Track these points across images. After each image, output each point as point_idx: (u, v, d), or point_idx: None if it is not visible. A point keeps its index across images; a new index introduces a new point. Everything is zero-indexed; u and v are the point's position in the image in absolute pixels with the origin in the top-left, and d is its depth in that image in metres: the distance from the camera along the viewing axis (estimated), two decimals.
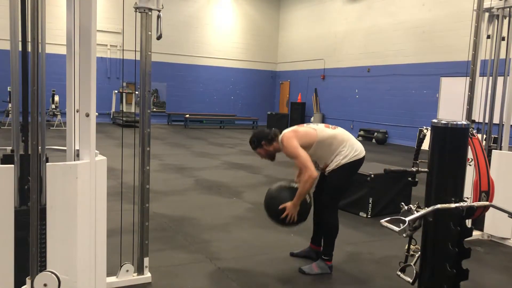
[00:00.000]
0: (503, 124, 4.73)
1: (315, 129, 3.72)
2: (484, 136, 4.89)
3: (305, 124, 3.87)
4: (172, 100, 19.78)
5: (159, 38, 3.17)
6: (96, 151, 2.40)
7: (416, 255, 2.28)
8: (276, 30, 21.92)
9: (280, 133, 3.78)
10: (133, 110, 18.00)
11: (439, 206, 2.06)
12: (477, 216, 2.28)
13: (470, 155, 2.35)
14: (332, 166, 3.64)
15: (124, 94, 18.15)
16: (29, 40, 2.04)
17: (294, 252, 4.10)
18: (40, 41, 2.04)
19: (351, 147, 3.65)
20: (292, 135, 3.66)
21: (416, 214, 2.05)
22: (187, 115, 18.67)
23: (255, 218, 5.30)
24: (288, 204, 3.55)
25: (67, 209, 2.21)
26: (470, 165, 2.73)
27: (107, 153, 2.73)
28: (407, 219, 2.00)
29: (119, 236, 3.32)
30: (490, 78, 4.83)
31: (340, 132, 3.73)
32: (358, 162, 3.68)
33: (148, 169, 3.32)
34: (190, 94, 20.22)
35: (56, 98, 14.92)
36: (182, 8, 19.44)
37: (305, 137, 3.66)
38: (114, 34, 17.72)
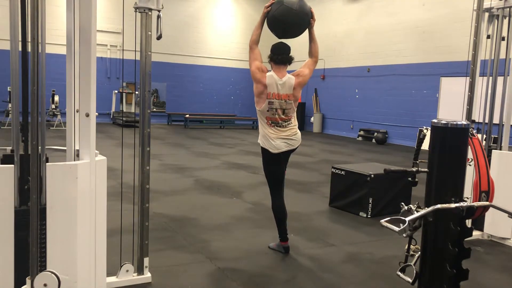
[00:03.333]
0: (503, 124, 4.73)
1: (264, 111, 3.93)
2: (484, 136, 4.89)
3: (281, 100, 3.96)
4: (172, 100, 19.78)
5: (159, 38, 3.17)
6: (96, 151, 2.40)
7: (416, 255, 2.28)
8: None
9: (289, 63, 4.26)
10: (133, 110, 18.00)
11: (439, 206, 2.06)
12: (477, 216, 2.28)
13: (470, 155, 2.35)
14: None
15: (124, 94, 18.15)
16: (29, 40, 2.04)
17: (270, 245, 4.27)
18: (40, 41, 2.05)
19: (265, 137, 3.92)
20: (262, 77, 3.93)
21: (416, 214, 2.05)
22: (187, 115, 18.67)
23: (255, 218, 5.30)
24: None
25: (67, 209, 2.21)
26: (470, 165, 2.73)
27: (107, 153, 2.73)
28: (407, 219, 1.99)
29: (119, 236, 3.32)
30: (490, 78, 4.83)
31: (267, 128, 3.92)
32: (266, 152, 3.93)
33: (148, 169, 3.32)
34: (190, 94, 20.22)
35: (56, 98, 14.92)
36: (182, 8, 19.44)
37: (259, 97, 3.93)
38: (114, 34, 17.72)
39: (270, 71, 3.99)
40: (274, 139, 3.90)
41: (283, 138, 3.93)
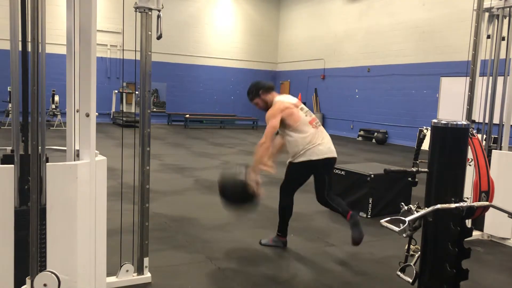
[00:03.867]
0: (503, 124, 4.73)
1: (300, 117, 4.00)
2: (484, 136, 4.89)
3: (302, 105, 4.14)
4: (172, 100, 19.78)
5: (159, 38, 3.17)
6: (96, 151, 2.40)
7: (416, 255, 2.28)
8: (276, 30, 21.92)
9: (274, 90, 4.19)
10: (133, 110, 18.00)
11: (439, 206, 2.06)
12: (477, 216, 2.28)
13: (470, 155, 2.35)
14: (291, 158, 4.04)
15: (124, 94, 18.15)
16: (29, 40, 2.04)
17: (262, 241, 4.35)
18: (40, 41, 2.05)
19: (312, 150, 3.94)
20: (282, 107, 3.98)
21: (416, 214, 2.05)
22: (187, 115, 18.67)
23: (255, 218, 5.30)
24: (250, 175, 3.81)
25: (67, 209, 2.21)
26: (470, 165, 2.73)
27: (107, 153, 2.73)
28: (407, 219, 1.99)
29: (119, 236, 3.32)
30: (490, 78, 4.82)
31: (313, 133, 3.98)
32: (310, 163, 3.96)
33: (148, 169, 3.32)
34: (190, 94, 20.22)
35: (56, 98, 14.92)
36: (182, 8, 19.44)
37: (289, 116, 3.96)
38: (114, 34, 17.72)
39: (275, 100, 4.12)
40: (323, 144, 4.00)
41: (325, 143, 4.03)
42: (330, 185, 4.10)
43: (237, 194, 3.88)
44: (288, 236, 4.31)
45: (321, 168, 4.02)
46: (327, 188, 4.05)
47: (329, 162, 4.04)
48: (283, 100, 4.07)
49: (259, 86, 4.15)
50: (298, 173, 4.10)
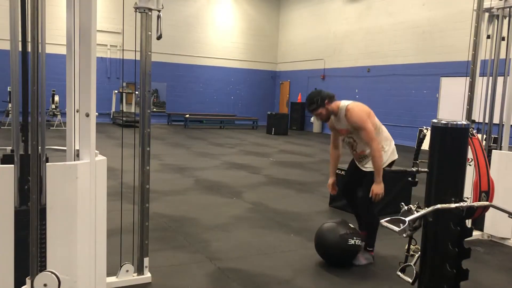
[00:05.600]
0: (503, 124, 4.73)
1: (375, 119, 3.89)
2: (484, 136, 4.89)
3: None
4: (172, 100, 19.78)
5: (159, 38, 3.17)
6: (96, 151, 2.40)
7: (416, 255, 2.28)
8: (276, 30, 21.92)
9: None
10: (133, 110, 18.00)
11: (439, 206, 2.06)
12: (477, 216, 2.28)
13: (470, 155, 2.35)
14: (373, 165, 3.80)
15: (124, 94, 18.15)
16: (29, 40, 2.04)
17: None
18: (40, 41, 2.04)
19: (390, 147, 3.91)
20: (362, 109, 3.82)
21: (416, 214, 2.05)
22: (187, 115, 18.67)
23: (255, 218, 5.30)
24: (374, 187, 3.73)
25: (67, 209, 2.21)
26: (470, 165, 2.73)
27: (107, 153, 2.73)
28: (407, 219, 1.99)
29: (119, 236, 3.32)
30: (490, 78, 4.82)
31: (385, 129, 3.97)
32: (392, 164, 3.96)
33: (148, 169, 3.32)
34: (190, 94, 20.22)
35: (56, 98, 14.92)
36: (182, 8, 19.44)
37: (371, 117, 3.82)
38: (114, 34, 17.72)
39: (343, 104, 3.92)
40: (392, 143, 4.03)
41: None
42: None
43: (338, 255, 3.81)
44: (288, 236, 4.31)
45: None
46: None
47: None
48: (353, 103, 3.88)
49: (324, 96, 3.85)
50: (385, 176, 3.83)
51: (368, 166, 3.87)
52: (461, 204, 2.08)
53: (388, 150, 3.90)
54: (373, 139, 3.71)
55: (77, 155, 2.32)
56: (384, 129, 3.97)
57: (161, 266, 3.64)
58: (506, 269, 4.07)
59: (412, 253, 2.32)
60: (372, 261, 3.96)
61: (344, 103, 3.88)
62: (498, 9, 4.67)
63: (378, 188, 3.75)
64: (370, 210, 3.97)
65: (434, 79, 14.03)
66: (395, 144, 4.08)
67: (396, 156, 3.97)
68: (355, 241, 3.77)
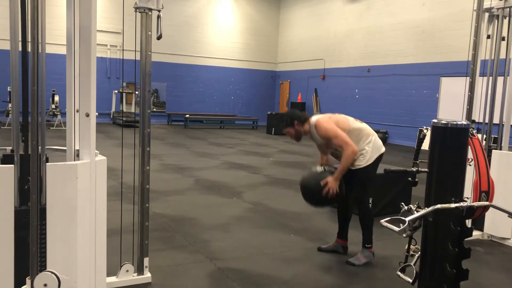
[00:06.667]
0: (503, 124, 4.73)
1: (347, 118, 4.00)
2: (484, 136, 4.89)
3: (336, 114, 4.10)
4: (172, 100, 19.78)
5: (159, 38, 3.17)
6: (96, 151, 2.39)
7: (416, 255, 2.28)
8: (276, 30, 21.91)
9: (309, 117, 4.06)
10: (133, 110, 18.00)
11: (439, 206, 2.06)
12: (477, 216, 2.28)
13: (470, 155, 2.35)
14: (361, 163, 3.90)
15: (124, 94, 18.15)
16: (29, 40, 2.04)
17: (322, 247, 4.25)
18: (40, 41, 2.04)
19: (374, 143, 3.94)
20: (328, 120, 3.93)
21: (416, 214, 2.05)
22: (187, 115, 18.67)
23: (255, 218, 5.30)
24: (329, 179, 3.81)
25: (67, 209, 2.21)
26: (470, 165, 2.73)
27: (107, 153, 2.73)
28: (407, 219, 1.99)
29: (119, 236, 3.32)
30: (490, 78, 4.82)
31: (366, 126, 4.02)
32: (380, 157, 4.00)
33: (148, 169, 3.32)
34: (190, 94, 20.22)
35: (56, 98, 14.92)
36: (182, 8, 19.44)
37: (339, 124, 3.90)
38: (114, 34, 17.72)
39: (313, 121, 4.01)
40: (376, 138, 4.05)
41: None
42: None
43: (317, 197, 3.92)
44: (288, 236, 4.31)
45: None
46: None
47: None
48: (320, 117, 3.99)
49: (295, 117, 3.99)
50: (374, 171, 4.01)
51: (357, 164, 3.91)
52: (461, 204, 2.08)
53: (370, 149, 3.92)
54: (346, 143, 3.79)
55: (77, 155, 2.31)
56: (364, 127, 4.00)
57: (161, 266, 3.64)
58: (506, 269, 4.07)
59: (412, 253, 2.32)
60: (372, 258, 3.98)
61: (312, 120, 3.99)
62: (498, 9, 4.67)
63: (332, 183, 3.80)
64: (365, 205, 4.05)
65: (434, 79, 14.03)
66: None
67: (382, 150, 3.99)
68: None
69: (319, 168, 4.02)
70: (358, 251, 4.05)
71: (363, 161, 3.90)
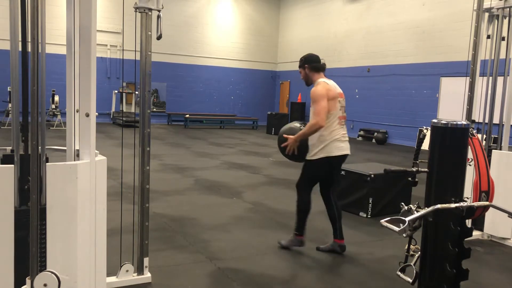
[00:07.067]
0: (503, 124, 4.73)
1: (336, 107, 4.01)
2: (484, 136, 4.89)
3: (342, 99, 4.13)
4: (172, 100, 19.78)
5: (159, 38, 3.17)
6: (96, 151, 2.39)
7: (416, 255, 2.28)
8: (276, 30, 21.91)
9: (324, 70, 4.18)
10: (133, 110, 18.00)
11: (439, 206, 2.06)
12: (477, 216, 2.28)
13: (470, 155, 2.35)
14: (309, 155, 4.03)
15: (124, 94, 18.14)
16: (29, 40, 2.04)
17: (320, 247, 4.28)
18: (40, 41, 2.04)
19: (331, 141, 3.95)
20: (327, 88, 3.98)
21: (416, 214, 2.05)
22: (187, 115, 18.67)
23: (255, 218, 5.30)
24: (291, 137, 4.01)
25: (67, 209, 2.21)
26: (470, 165, 2.73)
27: (107, 153, 2.73)
28: (407, 219, 1.99)
29: (119, 236, 3.32)
30: (490, 78, 4.82)
31: (337, 128, 4.00)
32: (327, 159, 3.97)
33: (148, 169, 3.32)
34: (190, 94, 20.22)
35: (56, 98, 14.92)
36: (182, 8, 19.44)
37: (332, 102, 3.95)
38: (114, 34, 17.72)
39: (319, 80, 4.10)
40: (339, 140, 4.02)
41: (346, 141, 4.08)
42: (333, 184, 4.18)
43: (281, 148, 4.17)
44: (288, 236, 4.30)
45: (337, 165, 4.11)
46: (330, 187, 4.16)
47: (344, 159, 4.10)
48: (328, 83, 4.06)
49: (310, 60, 4.15)
50: (318, 170, 4.06)
51: (307, 157, 4.04)
52: (461, 204, 2.08)
53: (319, 146, 3.96)
54: (317, 114, 3.87)
55: (77, 155, 2.31)
56: (336, 129, 3.98)
57: (161, 266, 3.64)
58: (506, 269, 4.07)
59: (412, 253, 2.32)
60: (296, 245, 4.14)
61: (320, 78, 4.09)
62: (498, 9, 4.67)
63: (291, 141, 4.00)
64: (301, 193, 4.13)
65: (434, 79, 14.03)
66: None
67: (333, 153, 3.97)
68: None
69: (297, 124, 4.18)
70: (357, 252, 4.05)
71: (309, 155, 4.02)
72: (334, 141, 3.95)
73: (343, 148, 4.01)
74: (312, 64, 4.12)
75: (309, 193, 4.13)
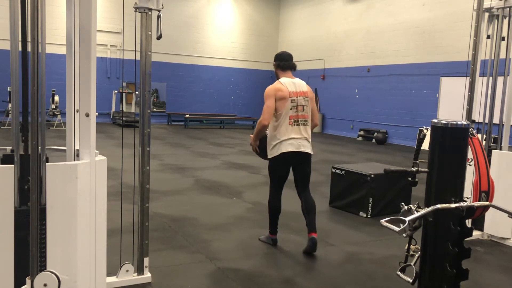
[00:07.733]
0: (503, 124, 4.73)
1: (284, 106, 4.04)
2: (484, 136, 4.89)
3: (301, 98, 4.13)
4: (172, 100, 19.78)
5: (159, 38, 3.17)
6: (96, 151, 2.40)
7: (416, 255, 2.28)
8: (276, 30, 21.91)
9: (294, 70, 4.31)
10: (133, 110, 18.00)
11: (439, 206, 2.06)
12: (477, 216, 2.28)
13: (470, 155, 2.35)
14: (268, 153, 4.20)
15: (124, 94, 18.15)
16: (29, 40, 2.04)
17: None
18: (40, 41, 2.04)
19: (278, 146, 4.05)
20: (277, 88, 4.09)
21: (416, 214, 2.05)
22: (187, 115, 18.67)
23: (255, 218, 5.30)
24: (251, 136, 4.34)
25: (67, 209, 2.21)
26: (470, 165, 2.72)
27: (107, 153, 2.73)
28: (407, 219, 1.99)
29: (119, 236, 3.33)
30: (490, 78, 4.82)
31: (286, 129, 4.05)
32: (282, 156, 4.06)
33: (148, 169, 3.32)
34: (190, 94, 20.22)
35: (56, 98, 14.92)
36: (182, 8, 19.44)
37: (280, 102, 4.04)
38: (114, 34, 17.72)
39: (279, 79, 4.22)
40: (291, 138, 4.04)
41: (298, 139, 4.07)
42: (303, 181, 4.23)
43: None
44: (288, 236, 4.31)
45: (296, 162, 4.14)
46: (299, 184, 4.23)
47: (303, 156, 4.11)
48: (283, 82, 4.13)
49: (277, 58, 4.29)
50: (277, 168, 4.20)
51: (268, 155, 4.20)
52: (461, 204, 2.08)
53: (276, 139, 4.06)
54: (262, 114, 4.02)
55: (77, 155, 2.31)
56: (286, 125, 4.04)
57: (161, 266, 3.64)
58: (506, 269, 4.07)
59: (412, 253, 2.32)
60: (269, 243, 4.32)
61: (281, 78, 4.21)
62: (498, 9, 4.67)
63: (251, 139, 4.33)
64: (270, 193, 4.29)
65: (434, 79, 14.03)
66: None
67: (286, 150, 4.02)
68: None
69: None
70: (357, 252, 4.04)
71: (268, 154, 4.18)
72: (288, 139, 4.03)
73: (294, 145, 4.04)
74: (279, 62, 4.25)
75: (276, 193, 4.24)
